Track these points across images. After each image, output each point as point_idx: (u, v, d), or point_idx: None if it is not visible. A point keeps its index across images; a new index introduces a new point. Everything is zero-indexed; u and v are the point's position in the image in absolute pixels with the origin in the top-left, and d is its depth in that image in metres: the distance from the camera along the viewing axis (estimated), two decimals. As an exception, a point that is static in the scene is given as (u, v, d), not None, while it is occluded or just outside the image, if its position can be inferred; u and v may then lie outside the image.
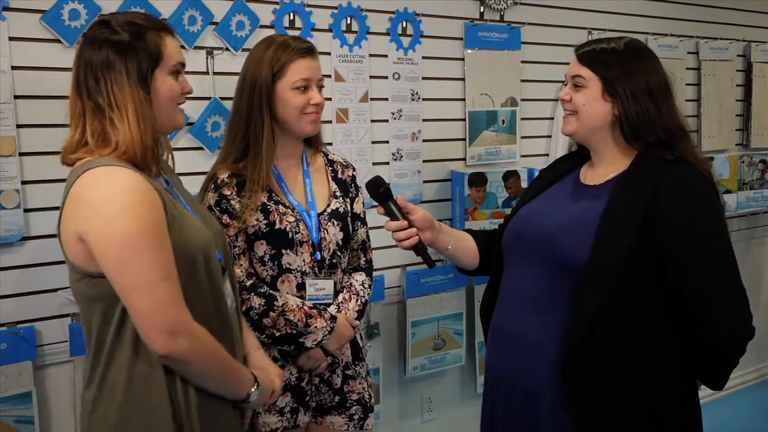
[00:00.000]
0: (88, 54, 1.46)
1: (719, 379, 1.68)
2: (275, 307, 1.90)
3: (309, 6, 2.52)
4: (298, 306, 1.93)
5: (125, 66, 1.44)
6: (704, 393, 1.78)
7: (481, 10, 2.98)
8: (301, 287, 1.96)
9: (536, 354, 1.67)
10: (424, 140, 2.87)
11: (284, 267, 1.94)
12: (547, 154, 3.21)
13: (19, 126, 2.04)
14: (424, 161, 2.88)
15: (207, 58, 2.34)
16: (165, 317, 1.37)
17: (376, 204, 1.81)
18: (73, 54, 2.03)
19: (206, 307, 1.49)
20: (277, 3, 2.47)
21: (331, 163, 2.12)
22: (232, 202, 1.92)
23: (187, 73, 1.62)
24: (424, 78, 2.84)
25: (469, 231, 2.00)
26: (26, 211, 2.07)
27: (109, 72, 1.44)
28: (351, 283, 2.06)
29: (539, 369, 1.67)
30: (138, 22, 1.48)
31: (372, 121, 2.72)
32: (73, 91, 1.48)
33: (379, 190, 1.79)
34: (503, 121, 3.06)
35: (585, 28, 3.25)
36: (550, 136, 3.23)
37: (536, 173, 2.99)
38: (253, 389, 1.56)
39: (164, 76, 1.50)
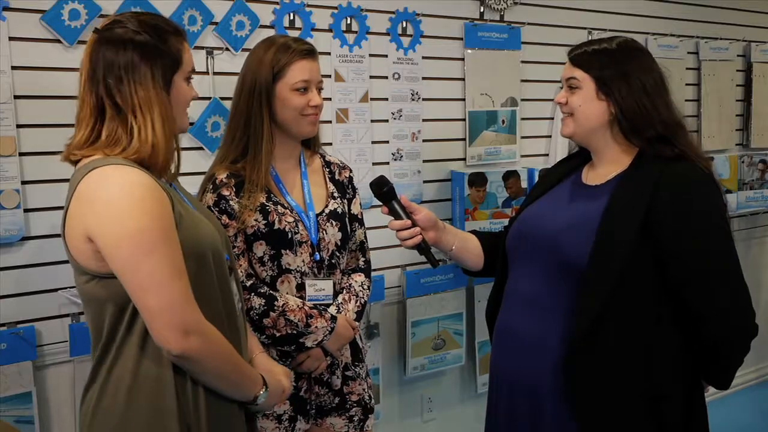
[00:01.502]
0: (110, 53, 1.41)
1: (724, 378, 1.68)
2: (275, 307, 1.90)
3: (309, 6, 2.52)
4: (298, 306, 1.92)
5: (151, 68, 1.41)
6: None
7: (481, 10, 2.98)
8: (300, 288, 1.96)
9: (539, 353, 1.68)
10: (424, 140, 2.87)
11: (284, 267, 1.94)
12: (547, 154, 3.21)
13: (19, 126, 2.04)
14: (424, 161, 2.88)
15: (207, 58, 2.34)
16: (179, 316, 1.35)
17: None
18: (72, 54, 2.07)
19: (216, 306, 1.48)
20: (277, 3, 2.47)
21: (328, 164, 2.11)
22: (230, 202, 1.92)
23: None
24: (424, 78, 2.84)
25: (474, 232, 2.00)
26: (26, 211, 2.07)
27: (134, 73, 1.40)
28: (350, 284, 2.06)
29: (542, 368, 1.67)
30: (159, 24, 1.45)
31: (372, 121, 2.72)
32: (86, 88, 1.44)
33: (383, 189, 1.80)
34: (503, 121, 3.06)
35: (585, 28, 3.25)
36: (550, 136, 3.23)
37: (536, 173, 3.03)
38: (261, 391, 1.55)
39: (181, 81, 1.48)
